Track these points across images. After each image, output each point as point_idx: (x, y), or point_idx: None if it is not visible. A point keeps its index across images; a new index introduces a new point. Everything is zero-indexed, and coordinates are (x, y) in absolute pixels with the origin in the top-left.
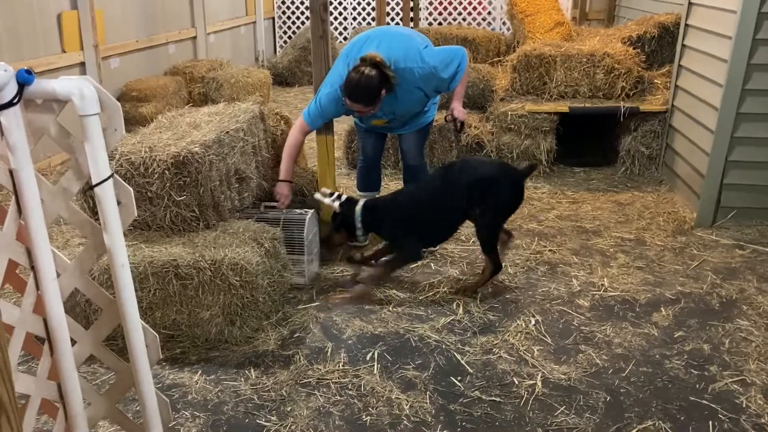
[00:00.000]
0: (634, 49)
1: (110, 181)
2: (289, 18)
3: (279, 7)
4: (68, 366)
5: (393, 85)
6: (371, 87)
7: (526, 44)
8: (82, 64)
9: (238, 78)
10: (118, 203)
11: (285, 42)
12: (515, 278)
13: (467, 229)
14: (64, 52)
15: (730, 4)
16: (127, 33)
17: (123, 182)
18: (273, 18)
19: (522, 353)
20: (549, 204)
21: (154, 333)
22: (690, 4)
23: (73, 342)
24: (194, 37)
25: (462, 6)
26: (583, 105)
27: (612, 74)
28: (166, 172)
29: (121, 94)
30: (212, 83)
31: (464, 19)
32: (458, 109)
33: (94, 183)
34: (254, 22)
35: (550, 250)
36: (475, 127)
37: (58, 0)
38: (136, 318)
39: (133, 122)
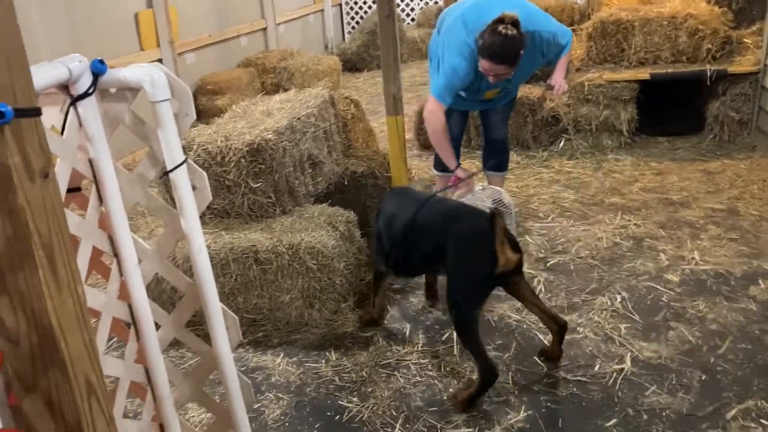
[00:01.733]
0: (720, 7)
1: (184, 166)
2: (356, 3)
3: None
4: (153, 349)
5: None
6: (516, 46)
7: (601, 11)
8: (159, 60)
9: (309, 66)
10: (193, 188)
11: (353, 28)
12: (598, 254)
13: (545, 205)
14: (142, 50)
15: None
16: (201, 28)
17: (197, 167)
18: (340, 4)
19: (608, 331)
20: (632, 176)
21: (234, 315)
22: None
23: (158, 326)
24: (264, 29)
25: None
26: (665, 71)
27: (696, 36)
28: (242, 160)
29: (197, 88)
30: (284, 73)
31: None
32: (557, 78)
33: (168, 169)
34: (322, 10)
35: (635, 224)
36: (550, 100)
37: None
38: (216, 300)
39: (209, 115)
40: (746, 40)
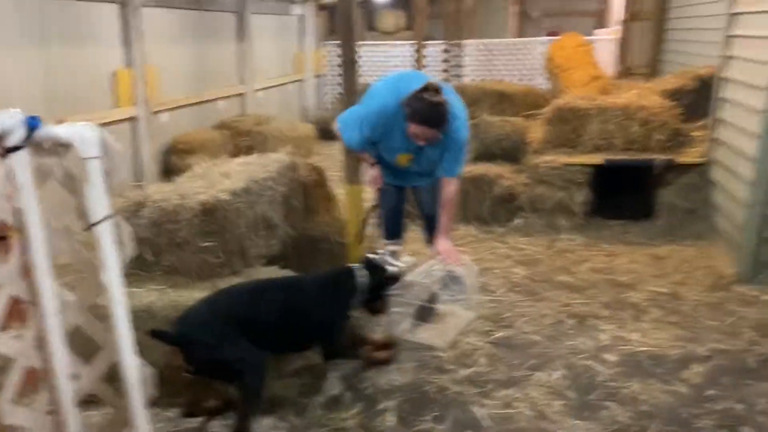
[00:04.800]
0: (672, 101)
1: (107, 221)
2: (340, 75)
3: (328, 64)
4: (67, 401)
5: None
6: (446, 111)
7: (561, 98)
8: (133, 118)
9: (283, 132)
10: (119, 242)
11: (335, 98)
12: (542, 330)
13: (496, 279)
14: (118, 107)
15: (765, 56)
16: (179, 90)
17: (123, 222)
18: (322, 75)
19: (543, 408)
20: (582, 256)
21: (153, 369)
22: (726, 57)
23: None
24: (242, 94)
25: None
26: (618, 157)
27: (647, 126)
28: (195, 218)
29: (169, 146)
30: (258, 137)
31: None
32: (443, 245)
33: (92, 222)
34: (302, 80)
35: (580, 303)
36: (507, 177)
37: (113, 58)
38: (130, 353)
39: (179, 173)
40: (695, 134)
